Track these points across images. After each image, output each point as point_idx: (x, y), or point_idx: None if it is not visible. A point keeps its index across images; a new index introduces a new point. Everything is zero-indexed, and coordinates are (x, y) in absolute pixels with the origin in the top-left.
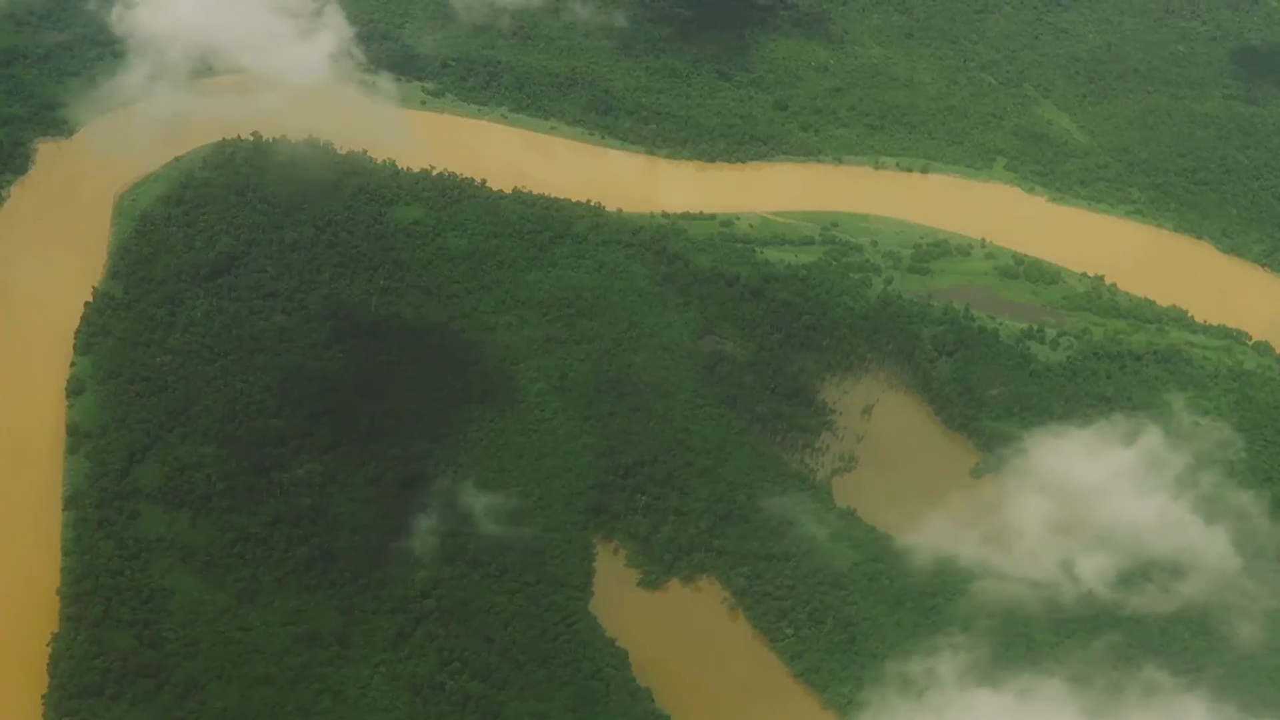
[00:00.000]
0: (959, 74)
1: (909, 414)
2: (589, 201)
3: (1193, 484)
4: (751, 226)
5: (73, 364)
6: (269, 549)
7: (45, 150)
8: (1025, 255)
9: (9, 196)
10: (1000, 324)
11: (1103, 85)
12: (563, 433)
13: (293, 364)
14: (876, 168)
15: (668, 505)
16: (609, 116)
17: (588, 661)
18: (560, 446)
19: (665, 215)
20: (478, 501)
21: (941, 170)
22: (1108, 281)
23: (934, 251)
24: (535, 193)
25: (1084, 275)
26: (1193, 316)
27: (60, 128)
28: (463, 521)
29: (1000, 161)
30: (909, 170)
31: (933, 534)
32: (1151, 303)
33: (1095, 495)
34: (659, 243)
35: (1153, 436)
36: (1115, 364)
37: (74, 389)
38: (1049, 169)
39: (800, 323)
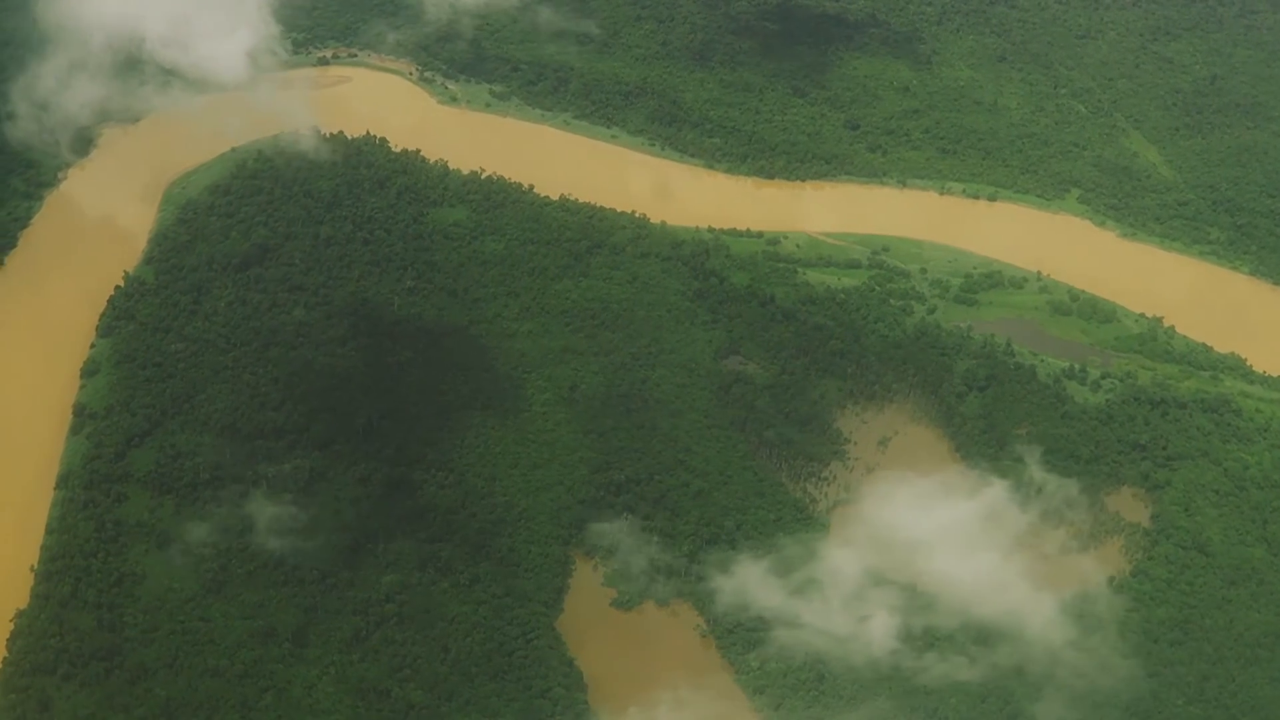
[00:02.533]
0: (1047, 100)
1: (927, 449)
2: (634, 212)
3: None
4: (798, 246)
5: (92, 346)
6: (245, 541)
7: (109, 135)
8: (1082, 291)
9: (65, 179)
10: (1041, 361)
11: (1200, 119)
12: (562, 445)
13: (304, 359)
14: (942, 193)
15: (654, 526)
16: (672, 128)
17: (540, 680)
18: (557, 458)
19: (711, 230)
20: (461, 509)
21: (1010, 199)
22: (1166, 324)
23: (985, 282)
24: (582, 201)
25: (1141, 316)
26: (1251, 366)
27: (128, 113)
28: (440, 527)
29: (1074, 193)
30: (975, 197)
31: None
32: (1209, 349)
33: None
34: (698, 258)
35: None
36: (1156, 411)
37: (89, 370)
38: (1124, 203)
39: (827, 348)
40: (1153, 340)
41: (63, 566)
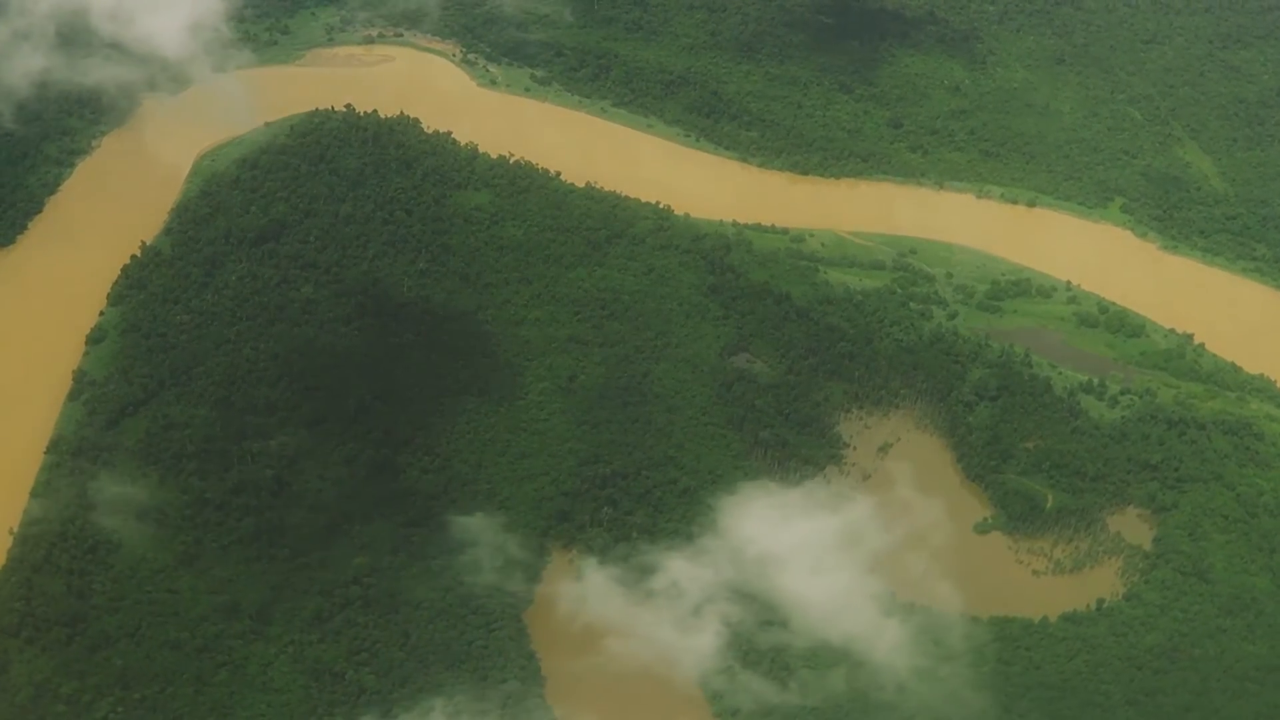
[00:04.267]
0: (1102, 106)
1: (928, 457)
2: (659, 204)
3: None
4: (823, 245)
5: (102, 313)
6: (223, 515)
7: (149, 105)
8: (1112, 304)
9: (99, 147)
10: (1059, 374)
11: (1261, 131)
12: (553, 435)
13: (306, 336)
14: (979, 196)
15: (634, 522)
16: (709, 119)
17: (496, 671)
18: (546, 448)
19: (735, 225)
20: (442, 494)
21: (1049, 205)
22: (1196, 341)
23: (1012, 290)
24: (607, 190)
25: (1171, 332)
26: None
27: (171, 84)
28: (419, 511)
29: (1118, 202)
30: (1014, 202)
31: (909, 586)
32: (1238, 369)
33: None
34: (717, 252)
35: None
36: (1174, 430)
37: (95, 338)
38: (1169, 214)
39: (836, 350)
40: (1180, 357)
41: (40, 531)
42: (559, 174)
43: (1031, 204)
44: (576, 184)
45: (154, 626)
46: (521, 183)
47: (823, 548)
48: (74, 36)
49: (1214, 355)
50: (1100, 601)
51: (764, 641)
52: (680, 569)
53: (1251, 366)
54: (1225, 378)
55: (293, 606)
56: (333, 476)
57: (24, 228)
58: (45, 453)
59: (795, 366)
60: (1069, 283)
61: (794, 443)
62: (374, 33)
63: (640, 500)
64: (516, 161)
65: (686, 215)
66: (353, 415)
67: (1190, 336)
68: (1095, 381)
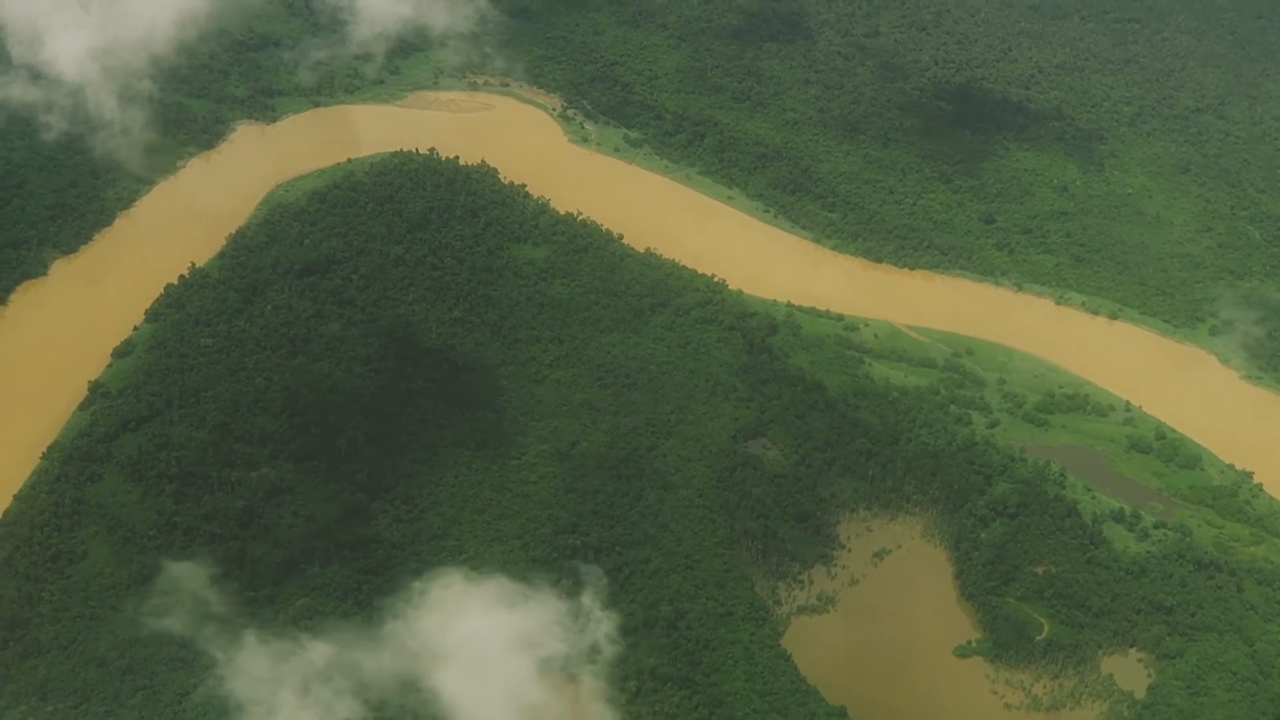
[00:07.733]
0: (1219, 221)
1: (926, 570)
2: (714, 276)
3: None
4: (876, 336)
5: (136, 328)
6: (188, 540)
7: (244, 131)
8: (1172, 430)
9: (184, 166)
10: (1092, 498)
11: None
12: (537, 499)
13: (322, 372)
14: (1059, 303)
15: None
16: (793, 196)
17: None
18: (526, 511)
19: (789, 306)
20: (408, 545)
21: (1132, 320)
22: (1255, 480)
23: (1066, 404)
24: (666, 256)
25: (1230, 467)
26: None
27: (268, 113)
28: (381, 560)
29: (1208, 324)
30: (1095, 312)
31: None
32: None
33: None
34: (760, 332)
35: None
36: (1202, 573)
37: (122, 351)
38: (1260, 343)
39: (855, 446)
40: (1232, 495)
41: (9, 533)
42: (621, 236)
43: (1114, 316)
44: (636, 248)
45: (87, 641)
46: (581, 241)
47: None
48: (171, 59)
49: (1271, 497)
50: None
51: None
52: None
53: None
54: (1277, 523)
55: (227, 640)
56: (305, 514)
57: (89, 238)
58: (40, 458)
59: (809, 458)
60: (1129, 403)
61: (783, 536)
62: (480, 80)
63: (608, 577)
64: (582, 220)
65: (739, 291)
66: (341, 455)
67: (1250, 475)
68: (1129, 511)
